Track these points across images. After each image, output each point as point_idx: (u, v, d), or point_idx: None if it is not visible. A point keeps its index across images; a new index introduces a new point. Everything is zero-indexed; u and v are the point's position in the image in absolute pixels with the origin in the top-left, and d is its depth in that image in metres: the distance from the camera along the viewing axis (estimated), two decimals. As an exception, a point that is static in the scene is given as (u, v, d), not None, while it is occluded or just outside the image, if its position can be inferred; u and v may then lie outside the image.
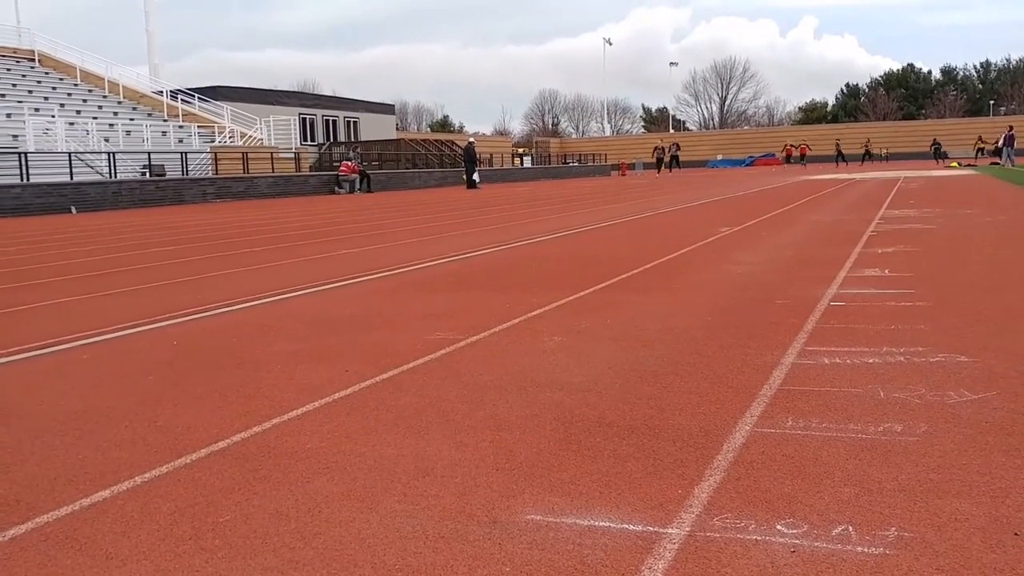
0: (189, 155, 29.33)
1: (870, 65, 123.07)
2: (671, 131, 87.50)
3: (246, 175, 29.66)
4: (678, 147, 54.95)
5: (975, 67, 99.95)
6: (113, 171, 26.19)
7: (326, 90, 77.61)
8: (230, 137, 33.95)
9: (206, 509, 2.25)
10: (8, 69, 34.23)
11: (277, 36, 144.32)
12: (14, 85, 32.48)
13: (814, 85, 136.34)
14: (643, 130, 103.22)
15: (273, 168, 32.02)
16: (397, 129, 58.67)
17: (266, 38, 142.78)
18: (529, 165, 53.95)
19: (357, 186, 31.07)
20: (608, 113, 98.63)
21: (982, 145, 51.37)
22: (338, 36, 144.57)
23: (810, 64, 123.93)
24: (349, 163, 32.40)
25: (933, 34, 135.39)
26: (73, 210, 22.33)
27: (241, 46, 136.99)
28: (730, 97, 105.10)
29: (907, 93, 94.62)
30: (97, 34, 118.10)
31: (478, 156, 32.64)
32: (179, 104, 35.17)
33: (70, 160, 24.43)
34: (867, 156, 56.29)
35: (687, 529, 2.02)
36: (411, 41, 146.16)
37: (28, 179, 22.97)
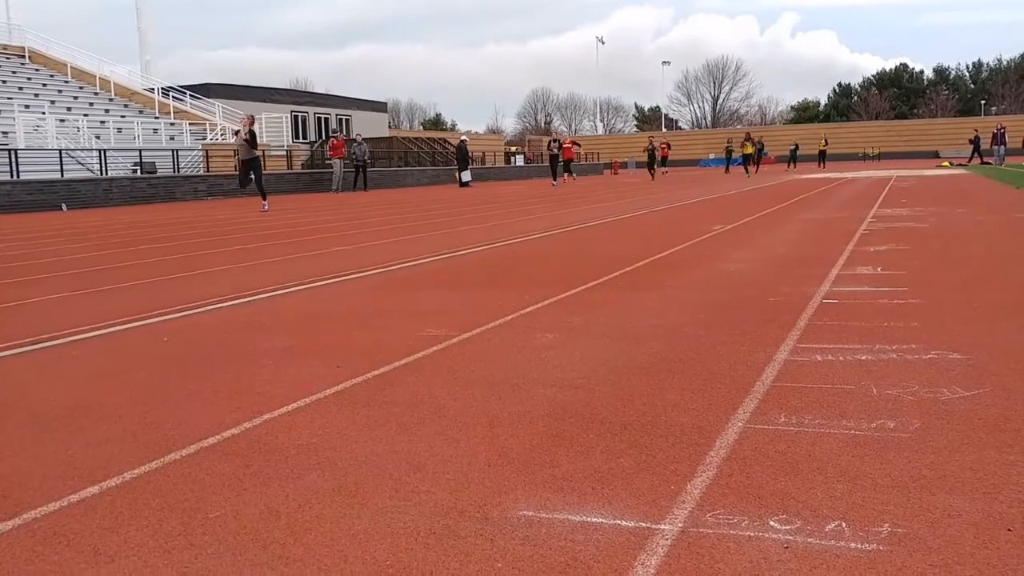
0: (180, 152, 29.23)
1: (851, 62, 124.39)
2: (664, 130, 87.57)
3: (238, 172, 29.51)
4: (559, 146, 31.49)
5: (967, 67, 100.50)
6: (104, 168, 26.07)
7: (318, 88, 77.48)
8: (222, 134, 33.83)
9: (196, 505, 2.23)
10: (-2, 65, 34.07)
11: (267, 35, 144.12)
12: (4, 81, 32.29)
13: (799, 82, 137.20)
14: (636, 129, 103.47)
15: (265, 166, 31.85)
16: (389, 127, 58.54)
17: (257, 38, 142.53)
18: (522, 163, 53.92)
19: (354, 183, 30.73)
20: (601, 112, 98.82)
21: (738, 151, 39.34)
22: (331, 36, 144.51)
23: (792, 61, 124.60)
24: (335, 139, 31.49)
25: (922, 33, 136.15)
26: (64, 207, 22.21)
27: (231, 44, 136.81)
28: (722, 96, 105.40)
29: (899, 92, 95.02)
30: (87, 36, 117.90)
31: (470, 155, 32.14)
32: (170, 101, 35.00)
33: (61, 157, 24.31)
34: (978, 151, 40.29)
35: (680, 525, 2.01)
36: (401, 41, 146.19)
37: (18, 176, 22.85)
